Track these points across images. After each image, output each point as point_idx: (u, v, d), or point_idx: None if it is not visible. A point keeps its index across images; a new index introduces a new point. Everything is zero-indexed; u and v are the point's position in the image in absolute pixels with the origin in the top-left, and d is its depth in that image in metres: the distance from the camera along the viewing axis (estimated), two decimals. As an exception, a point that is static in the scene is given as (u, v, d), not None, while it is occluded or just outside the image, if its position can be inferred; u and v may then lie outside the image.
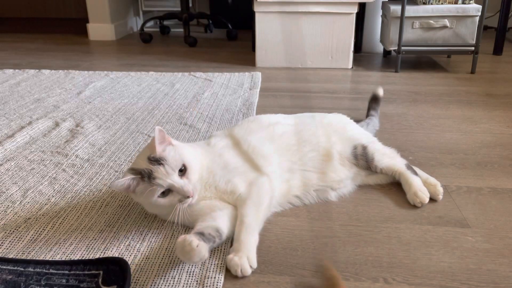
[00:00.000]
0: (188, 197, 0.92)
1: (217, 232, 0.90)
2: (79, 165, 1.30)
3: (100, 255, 0.91)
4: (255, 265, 0.87)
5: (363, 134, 1.25)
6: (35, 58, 2.76)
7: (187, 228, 0.99)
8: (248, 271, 0.85)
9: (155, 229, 1.00)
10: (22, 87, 2.09)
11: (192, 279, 0.84)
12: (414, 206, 1.09)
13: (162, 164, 0.91)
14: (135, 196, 0.95)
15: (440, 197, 1.12)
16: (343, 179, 1.14)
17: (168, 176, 0.91)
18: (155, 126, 0.96)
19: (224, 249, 0.93)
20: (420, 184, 1.12)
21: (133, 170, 0.93)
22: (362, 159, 1.16)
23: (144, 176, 0.91)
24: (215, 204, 0.98)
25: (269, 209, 1.02)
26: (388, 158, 1.18)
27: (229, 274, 0.87)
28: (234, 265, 0.85)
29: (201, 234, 0.86)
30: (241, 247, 0.88)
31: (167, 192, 0.92)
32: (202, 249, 0.81)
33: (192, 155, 0.99)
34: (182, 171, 0.94)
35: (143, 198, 0.94)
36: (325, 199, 1.12)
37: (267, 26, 2.42)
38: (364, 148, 1.17)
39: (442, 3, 2.35)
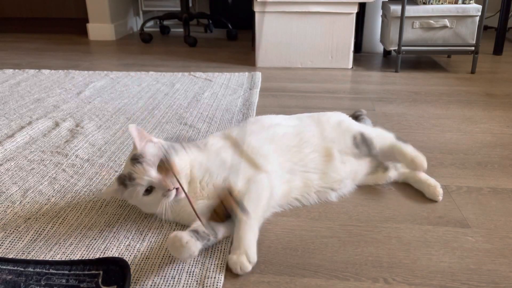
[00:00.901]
0: (169, 190, 0.92)
1: (212, 230, 0.90)
2: (79, 165, 1.30)
3: (100, 255, 0.91)
4: (254, 260, 0.87)
5: (357, 125, 1.27)
6: (35, 58, 2.76)
7: (186, 227, 0.99)
8: (248, 267, 0.85)
9: (155, 229, 1.00)
10: (22, 87, 2.09)
11: (192, 279, 0.84)
12: (414, 206, 1.09)
13: (140, 162, 0.92)
14: (128, 200, 0.98)
15: (440, 198, 1.12)
16: (344, 178, 1.14)
17: (146, 173, 0.92)
18: (129, 124, 0.96)
19: (224, 249, 0.93)
20: (413, 150, 1.15)
21: (119, 179, 0.95)
22: (363, 145, 1.18)
23: (125, 181, 0.93)
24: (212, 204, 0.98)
25: (268, 206, 1.02)
26: (382, 139, 1.21)
27: (229, 274, 0.87)
28: (233, 263, 0.86)
29: (195, 232, 0.87)
30: (240, 244, 0.88)
31: (150, 189, 0.93)
32: (192, 246, 0.83)
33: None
34: (160, 165, 0.94)
35: (133, 200, 0.96)
36: (325, 199, 1.12)
37: (267, 26, 2.42)
38: (362, 134, 1.19)
39: (442, 3, 2.35)
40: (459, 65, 2.52)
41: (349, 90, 2.08)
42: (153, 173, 0.92)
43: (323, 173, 1.12)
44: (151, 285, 0.83)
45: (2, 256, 0.90)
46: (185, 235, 0.84)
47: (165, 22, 3.80)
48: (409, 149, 1.16)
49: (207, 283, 0.83)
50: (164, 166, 0.94)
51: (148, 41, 3.26)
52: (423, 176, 1.17)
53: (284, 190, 1.07)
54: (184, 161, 0.99)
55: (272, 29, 2.42)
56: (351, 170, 1.16)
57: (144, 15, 3.90)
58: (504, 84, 2.15)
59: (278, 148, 1.11)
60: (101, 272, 0.84)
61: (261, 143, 1.10)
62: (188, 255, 0.83)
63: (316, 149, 1.14)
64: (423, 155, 1.15)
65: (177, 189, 0.93)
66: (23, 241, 0.96)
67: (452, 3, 2.34)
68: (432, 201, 1.12)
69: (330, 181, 1.12)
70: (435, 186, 1.13)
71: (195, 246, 0.84)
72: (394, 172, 1.21)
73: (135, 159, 0.93)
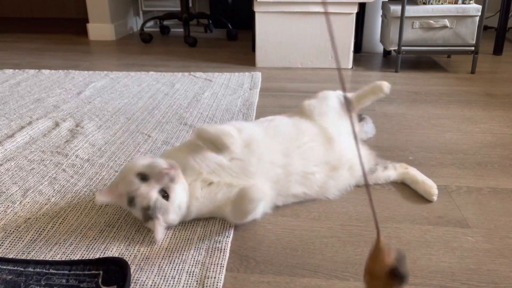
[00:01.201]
0: (167, 173, 0.91)
1: None
2: (79, 165, 1.30)
3: (100, 255, 0.91)
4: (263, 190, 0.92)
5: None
6: (35, 58, 2.76)
7: (188, 226, 0.99)
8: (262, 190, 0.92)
9: (155, 229, 1.00)
10: (22, 87, 2.09)
11: (192, 279, 0.84)
12: (414, 206, 1.09)
13: (135, 197, 0.92)
14: (170, 219, 0.96)
15: (435, 198, 1.12)
16: (341, 162, 1.13)
17: (147, 194, 0.91)
18: (96, 198, 0.94)
19: (224, 249, 0.93)
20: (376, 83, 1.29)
21: (146, 217, 0.93)
22: (347, 102, 1.28)
23: (150, 214, 0.92)
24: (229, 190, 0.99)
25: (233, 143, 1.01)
26: (352, 94, 1.34)
27: (229, 274, 0.87)
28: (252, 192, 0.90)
29: None
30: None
31: (165, 192, 0.92)
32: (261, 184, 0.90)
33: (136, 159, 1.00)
34: (144, 178, 0.93)
35: (172, 214, 0.95)
36: (326, 191, 1.12)
37: (267, 26, 2.42)
38: (341, 95, 1.29)
39: (442, 3, 2.35)
40: (459, 65, 2.52)
41: (349, 90, 2.08)
42: (146, 188, 0.91)
43: (324, 163, 1.11)
44: (151, 285, 0.83)
45: (2, 256, 0.91)
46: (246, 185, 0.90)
47: (165, 22, 3.80)
48: (370, 84, 1.30)
49: (207, 283, 0.83)
50: (148, 176, 0.93)
51: (148, 41, 3.27)
52: (421, 177, 1.18)
53: (279, 174, 1.05)
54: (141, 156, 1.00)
55: (272, 29, 2.42)
56: (347, 155, 1.15)
57: (144, 15, 3.90)
58: (504, 84, 2.15)
59: (272, 134, 1.11)
60: (101, 272, 0.84)
61: (252, 129, 1.11)
62: (262, 194, 0.89)
63: (314, 139, 1.13)
64: (431, 183, 1.15)
65: (171, 169, 0.93)
66: (23, 241, 0.96)
67: (452, 3, 2.34)
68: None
69: (329, 168, 1.12)
70: (431, 186, 1.14)
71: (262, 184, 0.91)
72: (393, 172, 1.21)
73: (130, 202, 0.92)
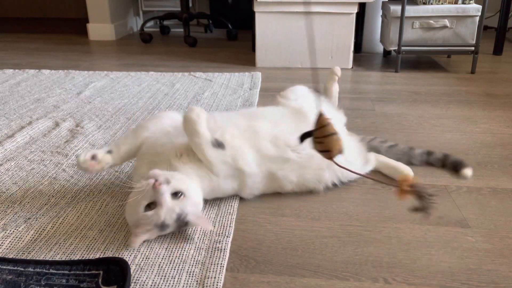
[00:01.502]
0: (159, 184, 0.89)
1: None
2: (79, 165, 1.30)
3: (100, 255, 0.91)
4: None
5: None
6: (35, 58, 2.76)
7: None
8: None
9: (155, 229, 1.00)
10: (22, 87, 2.09)
11: (192, 279, 0.84)
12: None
13: (162, 223, 0.91)
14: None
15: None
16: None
17: (166, 209, 0.89)
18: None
19: (224, 249, 0.93)
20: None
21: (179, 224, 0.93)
22: (315, 91, 1.37)
23: (180, 220, 0.92)
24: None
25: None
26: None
27: (229, 274, 0.87)
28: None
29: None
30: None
31: (176, 193, 0.91)
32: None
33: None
34: (150, 205, 0.90)
35: (198, 196, 0.99)
36: (310, 163, 1.11)
37: (267, 26, 2.42)
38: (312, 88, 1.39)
39: (442, 3, 2.35)
40: (459, 65, 2.52)
41: (349, 90, 2.08)
42: (162, 207, 0.89)
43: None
44: (151, 285, 0.83)
45: (2, 256, 0.91)
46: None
47: (165, 22, 3.80)
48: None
49: (207, 283, 0.83)
50: (151, 200, 0.90)
51: (148, 41, 3.26)
52: (393, 162, 1.23)
53: (245, 132, 1.09)
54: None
55: (272, 29, 2.42)
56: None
57: (144, 15, 3.90)
58: (504, 84, 2.15)
59: (237, 112, 1.21)
60: (101, 272, 0.84)
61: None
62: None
63: (284, 112, 1.21)
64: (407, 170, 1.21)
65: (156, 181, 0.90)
66: (23, 241, 0.96)
67: (452, 3, 2.34)
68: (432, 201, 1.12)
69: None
70: (405, 168, 1.20)
71: None
72: (373, 161, 1.25)
73: (162, 228, 0.91)
